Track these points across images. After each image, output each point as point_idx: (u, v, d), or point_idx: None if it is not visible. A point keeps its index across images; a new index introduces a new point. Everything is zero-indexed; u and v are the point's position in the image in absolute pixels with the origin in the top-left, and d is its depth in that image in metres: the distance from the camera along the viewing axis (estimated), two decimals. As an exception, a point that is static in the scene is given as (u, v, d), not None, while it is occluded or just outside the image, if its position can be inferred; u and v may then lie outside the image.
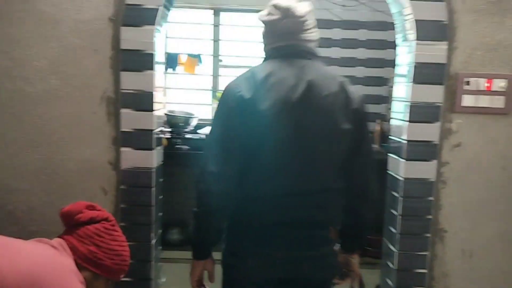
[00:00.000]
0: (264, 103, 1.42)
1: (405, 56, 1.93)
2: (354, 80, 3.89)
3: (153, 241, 1.94)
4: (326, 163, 1.51)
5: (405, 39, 1.92)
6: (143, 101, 1.86)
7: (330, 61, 3.88)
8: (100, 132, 1.89)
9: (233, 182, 1.46)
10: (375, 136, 3.85)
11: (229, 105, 1.47)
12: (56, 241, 1.37)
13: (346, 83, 1.55)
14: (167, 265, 3.43)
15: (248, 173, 1.47)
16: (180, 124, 3.62)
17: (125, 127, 1.88)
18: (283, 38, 1.52)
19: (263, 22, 1.54)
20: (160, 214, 2.08)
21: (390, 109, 3.64)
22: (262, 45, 1.60)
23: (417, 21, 1.82)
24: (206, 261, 1.59)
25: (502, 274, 1.97)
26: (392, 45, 3.84)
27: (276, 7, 1.50)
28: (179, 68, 3.77)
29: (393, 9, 1.96)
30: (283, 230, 1.49)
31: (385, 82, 3.81)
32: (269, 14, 1.52)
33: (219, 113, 1.51)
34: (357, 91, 1.58)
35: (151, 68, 1.85)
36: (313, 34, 1.57)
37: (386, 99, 3.80)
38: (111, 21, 1.83)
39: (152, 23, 1.82)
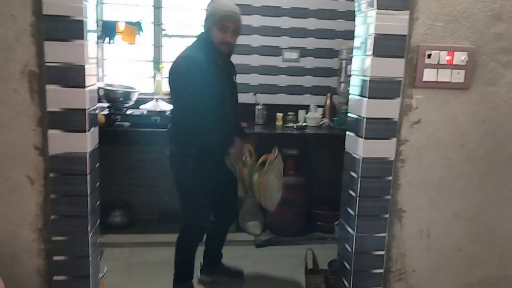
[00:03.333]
0: None
1: (364, 27, 1.79)
2: (305, 51, 3.78)
3: (90, 235, 1.73)
4: None
5: (365, 8, 1.78)
6: (72, 75, 1.61)
7: (279, 31, 3.72)
8: (22, 112, 1.63)
9: None
10: (326, 110, 3.76)
11: None
12: None
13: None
14: (109, 250, 3.23)
15: None
16: (120, 99, 3.32)
17: (53, 106, 1.62)
18: None
19: None
20: (98, 203, 1.86)
21: (341, 82, 3.56)
22: None
23: (378, -12, 1.68)
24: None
25: (459, 252, 1.95)
26: (343, 15, 3.76)
27: None
28: (117, 38, 3.44)
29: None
30: None
31: (336, 54, 3.70)
32: None
33: None
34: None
35: (81, 37, 1.59)
36: None
37: (337, 72, 3.70)
38: (30, -20, 1.54)
39: (80, -16, 1.55)
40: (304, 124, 3.65)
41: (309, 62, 3.80)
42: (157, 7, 3.61)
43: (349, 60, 3.42)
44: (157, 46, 3.67)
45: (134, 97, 3.38)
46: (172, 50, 3.71)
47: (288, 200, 3.46)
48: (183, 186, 2.47)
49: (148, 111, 3.35)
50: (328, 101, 3.75)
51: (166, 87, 3.67)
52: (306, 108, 3.74)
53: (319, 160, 3.81)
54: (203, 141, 2.32)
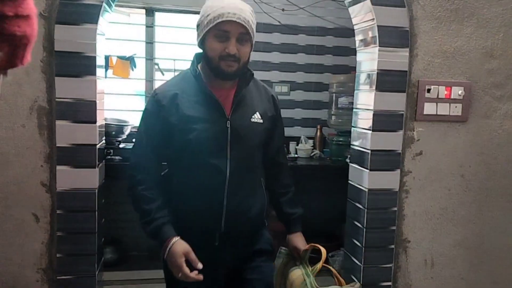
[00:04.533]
0: None
1: (367, 63, 1.86)
2: (294, 85, 3.86)
3: (97, 273, 1.69)
4: None
5: (367, 45, 1.85)
6: (83, 111, 1.61)
7: (269, 66, 3.80)
8: (30, 148, 1.61)
9: None
10: (316, 141, 3.82)
11: None
12: None
13: None
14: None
15: None
16: (112, 132, 3.30)
17: (61, 142, 1.61)
18: None
19: None
20: (102, 240, 1.83)
21: (332, 114, 3.64)
22: None
23: (379, 26, 1.76)
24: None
25: (462, 280, 1.98)
26: (331, 51, 3.88)
27: None
28: (110, 72, 3.45)
29: (354, 14, 1.89)
30: None
31: (325, 87, 3.80)
32: None
33: None
34: None
35: (93, 73, 1.61)
36: None
37: (327, 105, 3.79)
38: (42, 17, 1.56)
39: (94, 22, 1.58)
40: (296, 155, 3.68)
41: (299, 95, 3.88)
42: (149, 42, 3.65)
43: (339, 94, 3.51)
44: (149, 80, 3.69)
45: (127, 131, 3.36)
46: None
47: (282, 233, 3.45)
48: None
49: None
50: (318, 133, 3.81)
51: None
52: (297, 140, 3.78)
53: (311, 191, 3.83)
54: None
